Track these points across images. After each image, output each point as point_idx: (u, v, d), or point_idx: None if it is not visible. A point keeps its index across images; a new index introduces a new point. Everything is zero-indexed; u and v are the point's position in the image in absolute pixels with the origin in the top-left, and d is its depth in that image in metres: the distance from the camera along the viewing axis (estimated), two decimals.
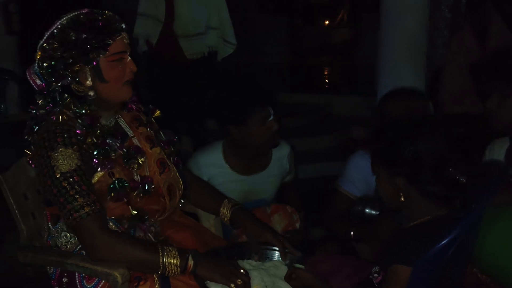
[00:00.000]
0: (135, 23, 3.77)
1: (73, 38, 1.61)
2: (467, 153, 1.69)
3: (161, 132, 1.94)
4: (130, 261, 1.61)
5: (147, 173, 1.76)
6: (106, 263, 1.61)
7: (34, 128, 1.68)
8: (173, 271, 1.61)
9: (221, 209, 1.99)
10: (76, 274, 1.71)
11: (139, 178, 1.73)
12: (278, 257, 1.87)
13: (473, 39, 3.83)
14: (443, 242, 1.46)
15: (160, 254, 1.60)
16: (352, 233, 2.21)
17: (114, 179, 1.67)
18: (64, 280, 1.73)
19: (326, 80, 8.14)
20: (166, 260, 1.60)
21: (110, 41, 1.65)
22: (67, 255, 1.70)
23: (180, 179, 1.89)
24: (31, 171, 1.88)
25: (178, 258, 1.61)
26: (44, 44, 1.65)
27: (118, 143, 1.70)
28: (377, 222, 2.07)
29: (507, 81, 1.96)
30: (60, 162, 1.57)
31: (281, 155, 2.49)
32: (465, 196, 1.53)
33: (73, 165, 1.58)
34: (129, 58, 1.72)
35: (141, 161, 1.73)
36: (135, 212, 1.72)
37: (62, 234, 1.73)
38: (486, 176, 1.60)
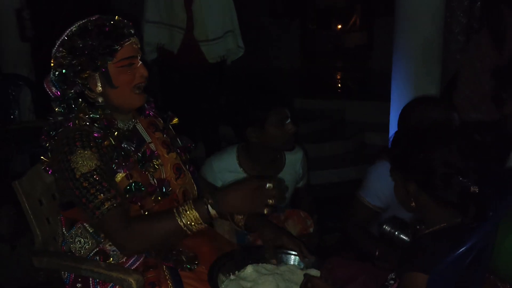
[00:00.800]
0: (143, 30, 3.78)
1: (80, 45, 1.63)
2: (484, 160, 1.67)
3: (177, 139, 1.93)
4: (157, 241, 1.60)
5: (163, 175, 1.77)
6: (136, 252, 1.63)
7: (52, 134, 1.69)
8: (199, 226, 1.58)
9: (236, 214, 1.97)
10: (90, 279, 1.71)
11: (155, 181, 1.73)
12: (293, 261, 1.86)
13: (489, 44, 3.79)
14: (461, 250, 1.44)
15: (177, 217, 1.57)
16: (377, 252, 2.17)
17: (131, 181, 1.67)
18: (78, 285, 1.74)
19: (339, 85, 8.12)
20: (185, 221, 1.57)
21: (117, 47, 1.65)
22: (82, 261, 1.70)
23: (195, 185, 1.89)
24: (46, 177, 1.89)
25: (194, 211, 1.57)
26: (56, 53, 1.67)
27: (133, 147, 1.71)
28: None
29: None
30: (80, 164, 1.58)
31: (295, 159, 2.50)
32: (480, 204, 1.52)
33: (93, 165, 1.59)
34: (140, 63, 1.72)
35: (157, 164, 1.74)
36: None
37: (76, 240, 1.73)
38: (504, 183, 1.58)
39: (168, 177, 1.79)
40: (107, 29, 1.64)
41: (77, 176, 1.58)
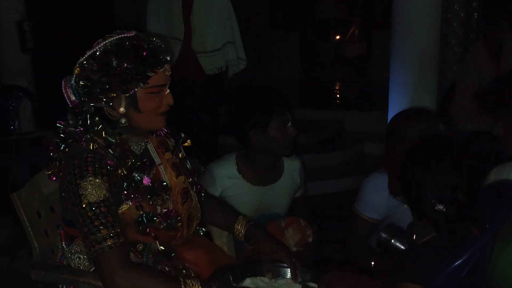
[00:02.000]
0: None
1: (115, 65, 1.56)
2: (481, 172, 1.68)
3: (187, 161, 1.90)
4: None
5: (171, 206, 1.73)
6: None
7: (60, 146, 1.64)
8: None
9: (236, 225, 1.97)
10: None
11: (163, 212, 1.69)
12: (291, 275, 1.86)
13: (486, 56, 3.82)
14: (457, 263, 1.44)
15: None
16: (372, 263, 2.18)
17: (142, 212, 1.64)
18: None
19: (338, 96, 8.15)
20: None
21: (151, 74, 1.60)
22: (80, 273, 1.69)
23: (200, 208, 1.87)
24: (45, 189, 1.89)
25: None
26: (84, 62, 1.60)
27: (145, 176, 1.67)
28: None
29: (510, 107, 1.95)
30: (89, 191, 1.53)
31: (292, 168, 2.51)
32: (451, 223, 1.54)
33: (101, 195, 1.54)
34: (168, 91, 1.68)
35: (166, 198, 1.70)
36: (162, 248, 1.68)
37: (76, 256, 1.72)
38: (500, 195, 1.58)
39: (175, 202, 1.75)
40: (144, 53, 1.58)
41: (83, 204, 1.53)
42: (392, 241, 1.83)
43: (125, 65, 1.56)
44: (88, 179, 1.54)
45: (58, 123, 1.67)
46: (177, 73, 3.93)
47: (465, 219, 1.54)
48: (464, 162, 1.57)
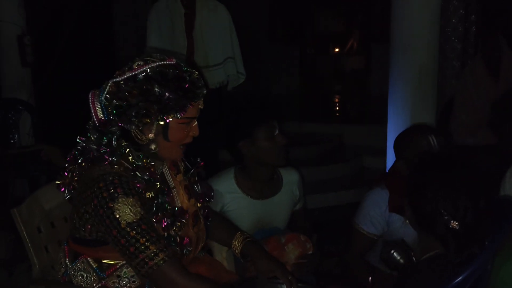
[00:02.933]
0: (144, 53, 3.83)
1: (157, 93, 1.56)
2: (481, 187, 1.69)
3: (198, 184, 1.90)
4: None
5: (183, 233, 1.71)
6: None
7: (78, 158, 1.63)
8: None
9: (233, 241, 1.97)
10: None
11: (178, 238, 1.68)
12: None
13: (484, 70, 3.84)
14: (459, 279, 1.44)
15: None
16: (370, 278, 2.18)
17: (166, 234, 1.63)
18: None
19: (337, 109, 8.17)
20: None
21: (189, 106, 1.61)
22: None
23: (205, 231, 1.87)
24: (45, 204, 1.89)
25: None
26: (122, 82, 1.58)
27: (167, 201, 1.67)
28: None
29: None
30: (125, 212, 1.52)
31: (291, 180, 2.51)
32: (461, 240, 1.55)
33: (138, 214, 1.53)
34: (196, 122, 1.70)
35: (184, 223, 1.70)
36: None
37: (79, 273, 1.70)
38: (500, 211, 1.59)
39: (187, 225, 1.75)
40: (186, 85, 1.60)
41: (123, 226, 1.52)
42: (393, 252, 1.84)
43: (167, 94, 1.57)
44: (121, 200, 1.53)
45: (79, 139, 1.65)
46: None
47: (472, 237, 1.55)
48: (473, 181, 1.59)
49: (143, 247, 1.52)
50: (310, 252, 2.27)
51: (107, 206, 1.53)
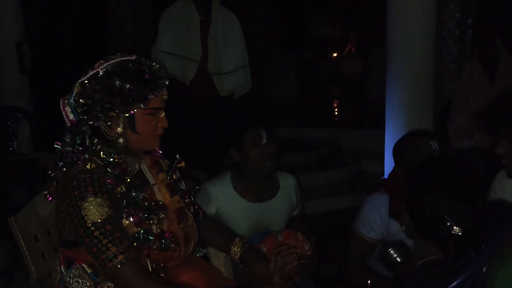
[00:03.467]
0: (155, 59, 3.86)
1: (118, 85, 1.61)
2: (479, 191, 1.69)
3: (182, 181, 1.92)
4: None
5: (165, 227, 1.74)
6: None
7: (59, 164, 1.67)
8: None
9: (232, 247, 1.97)
10: None
11: (157, 231, 1.70)
12: None
13: (481, 73, 3.85)
14: (454, 283, 1.44)
15: None
16: (369, 282, 2.18)
17: (141, 229, 1.65)
18: None
19: (336, 114, 8.17)
20: None
21: (151, 96, 1.65)
22: None
23: (196, 228, 1.87)
24: (41, 212, 1.89)
25: None
26: (86, 82, 1.64)
27: (141, 195, 1.69)
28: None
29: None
30: (91, 211, 1.56)
31: (287, 185, 2.51)
32: (461, 245, 1.54)
33: (104, 214, 1.57)
34: (163, 114, 1.73)
35: (162, 217, 1.71)
36: (153, 266, 1.69)
37: (74, 280, 1.71)
38: (496, 216, 1.59)
39: (170, 221, 1.76)
40: (146, 76, 1.64)
41: (88, 225, 1.56)
42: (390, 250, 1.83)
43: (128, 86, 1.62)
44: (89, 200, 1.57)
45: (56, 144, 1.70)
46: (192, 93, 4.05)
47: (469, 242, 1.55)
48: (471, 184, 1.58)
49: (104, 248, 1.56)
50: (308, 253, 2.27)
51: (77, 205, 1.58)
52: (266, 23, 8.52)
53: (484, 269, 1.54)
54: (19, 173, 4.06)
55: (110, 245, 1.56)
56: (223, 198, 2.38)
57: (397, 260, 1.82)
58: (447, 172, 1.62)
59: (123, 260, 1.56)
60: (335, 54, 10.63)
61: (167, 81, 1.71)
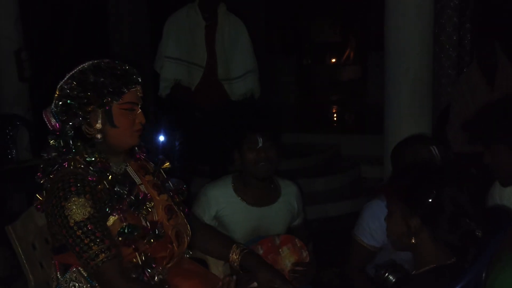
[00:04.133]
0: (162, 66, 3.88)
1: (92, 80, 1.68)
2: (479, 194, 1.68)
3: (169, 182, 1.95)
4: None
5: (155, 218, 1.78)
6: None
7: (47, 171, 1.72)
8: None
9: (231, 254, 1.98)
10: None
11: (148, 224, 1.74)
12: None
13: (480, 78, 3.85)
14: None
15: None
16: None
17: (124, 224, 1.69)
18: None
19: (335, 119, 8.17)
20: None
21: (125, 90, 1.72)
22: None
23: (188, 225, 1.89)
24: (39, 220, 1.89)
25: None
26: (63, 84, 1.71)
27: (126, 190, 1.73)
28: None
29: (494, 138, 1.97)
30: (74, 211, 1.61)
31: (288, 192, 2.51)
32: (479, 247, 1.52)
33: (86, 213, 1.61)
34: (140, 110, 1.78)
35: (150, 207, 1.75)
36: (143, 259, 1.72)
37: (71, 284, 1.73)
38: (495, 221, 1.58)
39: (160, 218, 1.80)
40: (118, 72, 1.72)
41: (71, 224, 1.61)
42: (389, 276, 1.81)
43: (102, 80, 1.69)
44: (72, 200, 1.62)
45: (42, 153, 1.75)
46: (199, 99, 4.05)
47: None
48: (476, 190, 1.58)
49: (86, 247, 1.60)
50: (307, 261, 2.27)
51: (60, 205, 1.63)
52: (265, 29, 8.55)
53: (483, 273, 1.54)
54: (18, 180, 4.05)
55: (92, 244, 1.60)
56: (224, 200, 2.39)
57: (391, 280, 1.80)
58: (461, 169, 1.61)
59: (104, 259, 1.60)
60: (334, 60, 10.65)
61: (140, 79, 1.77)
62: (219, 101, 3.90)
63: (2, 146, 4.43)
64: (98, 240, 1.61)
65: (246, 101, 3.99)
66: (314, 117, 7.91)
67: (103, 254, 1.60)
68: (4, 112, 4.56)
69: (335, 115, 8.45)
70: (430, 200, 1.55)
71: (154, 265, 1.74)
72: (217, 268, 2.10)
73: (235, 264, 1.98)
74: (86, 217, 1.61)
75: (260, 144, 2.30)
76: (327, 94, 9.43)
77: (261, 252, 2.14)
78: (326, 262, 3.31)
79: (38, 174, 1.74)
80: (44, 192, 1.73)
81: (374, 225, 2.24)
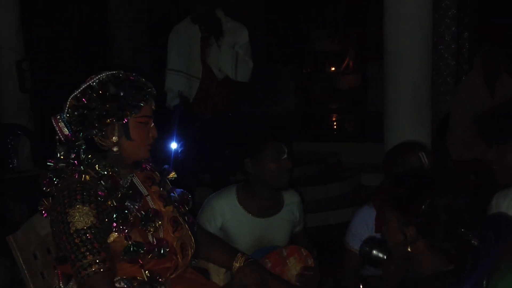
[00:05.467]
0: (166, 78, 3.95)
1: (112, 92, 1.67)
2: (479, 202, 1.68)
3: (174, 192, 1.94)
4: None
5: (161, 235, 1.76)
6: None
7: (54, 181, 1.70)
8: None
9: (235, 263, 1.98)
10: None
11: (154, 240, 1.73)
12: None
13: (479, 85, 3.87)
14: None
15: None
16: (361, 286, 2.18)
17: (130, 242, 1.67)
18: None
19: (335, 127, 8.19)
20: None
21: (143, 104, 1.71)
22: None
23: (193, 238, 1.89)
24: (41, 230, 1.89)
25: None
26: (79, 95, 1.69)
27: (136, 205, 1.72)
28: (384, 270, 2.04)
29: (506, 136, 1.97)
30: (76, 219, 1.60)
31: (292, 202, 2.51)
32: (477, 256, 1.51)
33: (88, 222, 1.60)
34: (153, 124, 1.79)
35: (158, 224, 1.74)
36: (148, 275, 1.71)
37: None
38: (495, 229, 1.58)
39: (166, 230, 1.79)
40: (137, 85, 1.72)
41: (71, 231, 1.59)
42: (373, 252, 1.82)
43: (122, 93, 1.67)
44: (76, 207, 1.60)
45: (49, 162, 1.73)
46: (197, 109, 4.07)
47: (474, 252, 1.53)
48: (475, 197, 1.57)
49: (81, 256, 1.58)
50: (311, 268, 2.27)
51: (64, 212, 1.62)
52: (264, 39, 8.59)
53: (484, 281, 1.54)
54: (19, 190, 4.05)
55: (87, 254, 1.58)
56: (229, 212, 2.38)
57: (382, 258, 1.81)
58: (457, 177, 1.60)
59: (97, 270, 1.58)
60: (333, 68, 10.69)
61: (155, 92, 1.78)
62: (214, 113, 3.93)
63: (3, 155, 4.44)
64: (94, 251, 1.59)
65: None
66: (314, 125, 7.92)
67: (96, 266, 1.58)
68: (5, 122, 4.57)
69: (335, 123, 8.47)
70: (425, 209, 1.54)
71: (159, 279, 1.72)
72: (218, 276, 2.11)
73: None
74: (87, 226, 1.59)
75: (286, 155, 2.30)
76: (327, 103, 9.46)
77: (269, 265, 2.14)
78: (327, 270, 3.30)
79: (44, 181, 1.72)
80: (50, 198, 1.72)
81: (362, 230, 2.27)
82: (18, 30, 4.54)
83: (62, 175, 1.69)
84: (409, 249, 1.60)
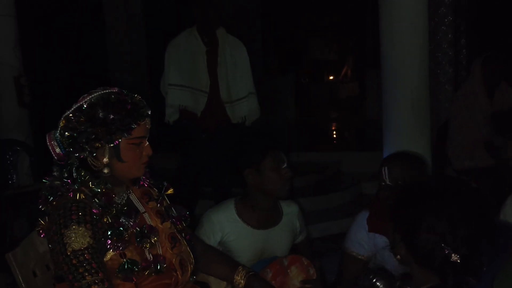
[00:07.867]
0: (165, 91, 3.91)
1: (101, 116, 1.65)
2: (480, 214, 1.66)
3: (172, 208, 1.93)
4: None
5: (159, 251, 1.76)
6: None
7: (49, 199, 1.70)
8: None
9: (235, 276, 1.97)
10: None
11: (151, 256, 1.72)
12: None
13: (479, 92, 3.86)
14: None
15: None
16: None
17: (125, 260, 1.67)
18: None
19: (334, 136, 8.19)
20: None
21: (134, 126, 1.69)
22: None
23: (191, 254, 1.88)
24: (40, 247, 1.88)
25: None
26: (70, 115, 1.68)
27: (131, 222, 1.72)
28: None
29: None
30: (73, 239, 1.59)
31: (290, 212, 2.52)
32: (460, 273, 1.50)
33: (85, 243, 1.60)
34: (147, 143, 1.76)
35: (154, 240, 1.74)
36: None
37: None
38: (499, 239, 1.57)
39: (164, 247, 1.78)
40: (129, 106, 1.69)
41: (68, 252, 1.59)
42: (377, 283, 1.81)
43: (111, 116, 1.66)
44: (72, 228, 1.60)
45: (44, 179, 1.73)
46: (204, 122, 4.06)
47: (469, 267, 1.51)
48: (472, 209, 1.54)
49: (79, 277, 1.58)
50: (314, 277, 2.26)
51: (60, 233, 1.61)
52: (262, 48, 8.62)
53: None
54: (19, 206, 4.04)
55: (86, 274, 1.57)
56: (228, 225, 2.38)
57: None
58: (439, 196, 1.56)
59: None
60: (331, 77, 10.72)
61: (149, 111, 1.75)
62: (223, 124, 3.91)
63: (2, 171, 4.43)
64: (93, 271, 1.58)
65: (246, 124, 3.99)
66: (314, 135, 7.92)
67: (95, 286, 1.57)
68: (4, 137, 4.57)
69: (334, 132, 8.47)
70: (406, 224, 1.56)
71: None
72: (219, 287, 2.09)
73: (240, 286, 1.97)
74: (84, 246, 1.59)
75: (286, 164, 2.30)
76: (326, 112, 9.48)
77: (270, 275, 2.13)
78: (330, 280, 3.29)
79: (39, 200, 1.72)
80: (46, 217, 1.72)
81: (360, 234, 2.32)
82: (15, 45, 4.55)
83: (58, 193, 1.69)
84: (405, 262, 1.62)
